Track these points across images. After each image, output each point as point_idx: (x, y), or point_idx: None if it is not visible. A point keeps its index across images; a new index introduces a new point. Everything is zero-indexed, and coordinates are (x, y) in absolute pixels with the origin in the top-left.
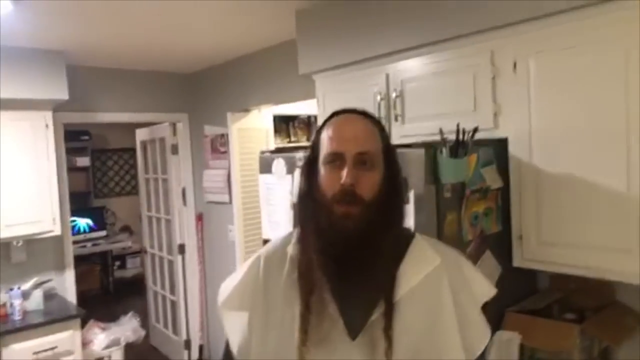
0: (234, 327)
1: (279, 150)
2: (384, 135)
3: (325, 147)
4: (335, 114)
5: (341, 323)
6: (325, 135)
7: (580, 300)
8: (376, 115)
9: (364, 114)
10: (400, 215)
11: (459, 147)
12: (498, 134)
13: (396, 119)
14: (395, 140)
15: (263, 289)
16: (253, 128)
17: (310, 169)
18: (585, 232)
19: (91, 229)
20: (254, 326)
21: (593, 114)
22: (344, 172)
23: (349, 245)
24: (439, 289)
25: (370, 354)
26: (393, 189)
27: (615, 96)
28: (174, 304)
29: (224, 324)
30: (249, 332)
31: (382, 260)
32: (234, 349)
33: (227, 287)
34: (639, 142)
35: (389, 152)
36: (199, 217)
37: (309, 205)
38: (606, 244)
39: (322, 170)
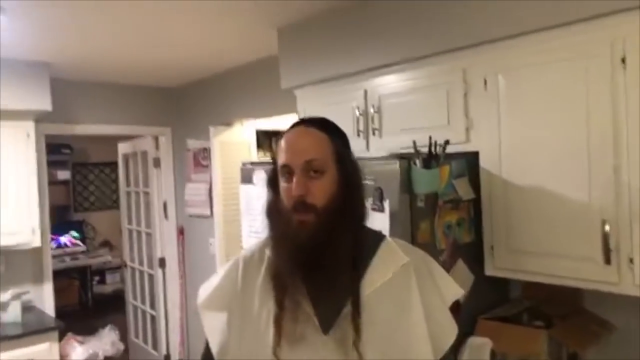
0: (213, 327)
1: (260, 162)
2: (336, 142)
3: (279, 160)
4: (290, 127)
5: (314, 319)
6: (279, 148)
7: (549, 309)
8: (342, 128)
9: (317, 121)
10: (359, 214)
11: (432, 159)
12: (470, 147)
13: (374, 133)
14: (372, 153)
15: (241, 291)
16: (235, 142)
17: (273, 181)
18: (551, 241)
19: (73, 243)
20: (232, 326)
21: (557, 129)
22: (294, 184)
23: (306, 253)
24: (407, 287)
25: (341, 348)
26: (348, 190)
27: (577, 111)
28: (153, 319)
29: (203, 323)
30: (228, 332)
31: (349, 259)
32: (214, 348)
33: (206, 288)
34: (599, 155)
35: (341, 156)
36: (180, 231)
37: (274, 215)
38: (571, 252)
39: (280, 182)
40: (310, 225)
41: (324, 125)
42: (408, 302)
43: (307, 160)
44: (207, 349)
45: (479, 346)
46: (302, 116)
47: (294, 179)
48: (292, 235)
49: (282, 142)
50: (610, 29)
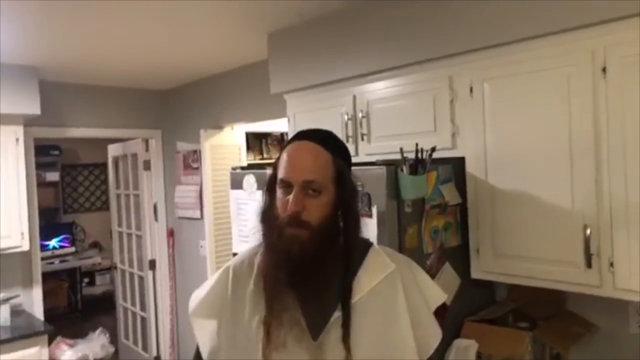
0: (204, 334)
1: (250, 167)
2: (338, 162)
3: (279, 172)
4: (296, 136)
5: (303, 325)
6: (282, 159)
7: (533, 310)
8: (338, 136)
9: (323, 138)
10: (352, 232)
11: (419, 165)
12: (456, 153)
13: (362, 138)
14: (361, 158)
15: (231, 298)
16: (226, 145)
17: (271, 187)
18: (535, 245)
19: (60, 246)
20: (222, 333)
21: (541, 135)
22: (291, 199)
23: (296, 264)
24: (394, 293)
25: (331, 354)
26: (343, 211)
27: (560, 119)
28: (144, 320)
29: (195, 330)
30: (217, 339)
31: (339, 270)
32: (204, 354)
33: (197, 296)
34: (581, 162)
35: (341, 177)
36: (170, 233)
37: (267, 222)
38: (554, 256)
39: (277, 192)
40: (303, 239)
41: (328, 142)
42: (395, 308)
43: (306, 180)
44: (198, 354)
45: (465, 348)
46: (292, 120)
47: (292, 196)
48: (284, 246)
49: (285, 155)
50: (592, 39)
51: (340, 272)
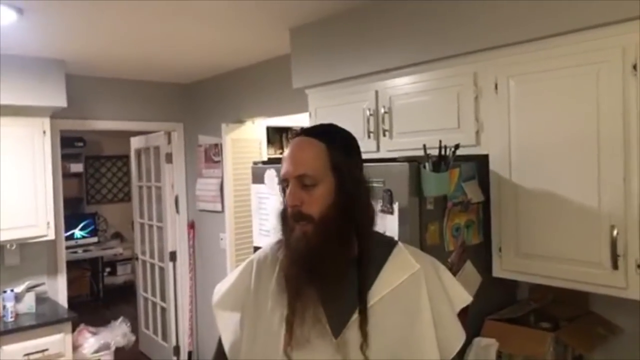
0: (227, 326)
1: (271, 162)
2: (334, 152)
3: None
4: (296, 134)
5: (324, 324)
6: (283, 158)
7: (556, 311)
8: (352, 131)
9: (320, 131)
10: (361, 221)
11: (441, 162)
12: (480, 150)
13: (384, 134)
14: (383, 154)
15: (254, 292)
16: (247, 139)
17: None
18: (559, 245)
19: (83, 236)
20: (244, 326)
21: (567, 133)
22: (287, 194)
23: (306, 261)
24: (417, 294)
25: (350, 352)
26: (346, 199)
27: (587, 117)
28: (164, 311)
29: (217, 322)
30: (240, 331)
31: (353, 266)
32: (226, 346)
33: (221, 288)
34: (609, 160)
35: (338, 166)
36: (191, 225)
37: (283, 221)
38: (578, 257)
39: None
40: (309, 235)
41: (325, 134)
42: (417, 309)
43: (299, 175)
44: (220, 345)
45: (485, 347)
46: (313, 115)
47: (288, 190)
48: (293, 244)
49: (285, 154)
50: (622, 35)
51: (356, 270)
